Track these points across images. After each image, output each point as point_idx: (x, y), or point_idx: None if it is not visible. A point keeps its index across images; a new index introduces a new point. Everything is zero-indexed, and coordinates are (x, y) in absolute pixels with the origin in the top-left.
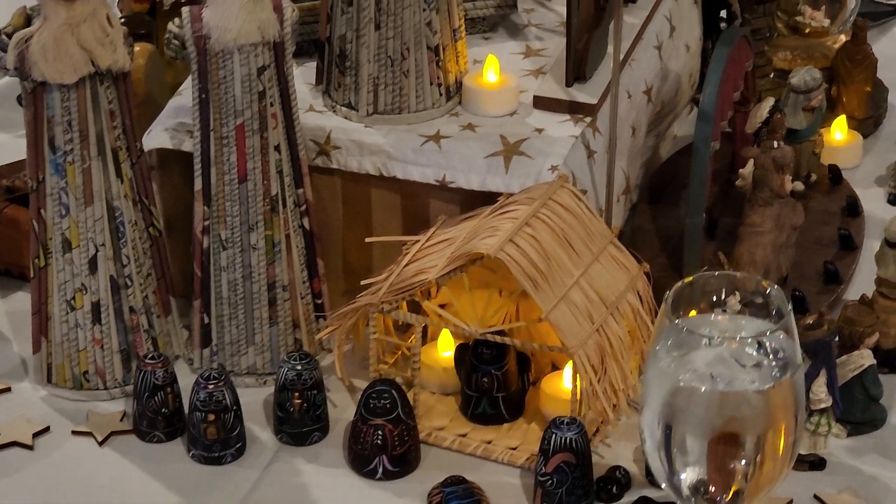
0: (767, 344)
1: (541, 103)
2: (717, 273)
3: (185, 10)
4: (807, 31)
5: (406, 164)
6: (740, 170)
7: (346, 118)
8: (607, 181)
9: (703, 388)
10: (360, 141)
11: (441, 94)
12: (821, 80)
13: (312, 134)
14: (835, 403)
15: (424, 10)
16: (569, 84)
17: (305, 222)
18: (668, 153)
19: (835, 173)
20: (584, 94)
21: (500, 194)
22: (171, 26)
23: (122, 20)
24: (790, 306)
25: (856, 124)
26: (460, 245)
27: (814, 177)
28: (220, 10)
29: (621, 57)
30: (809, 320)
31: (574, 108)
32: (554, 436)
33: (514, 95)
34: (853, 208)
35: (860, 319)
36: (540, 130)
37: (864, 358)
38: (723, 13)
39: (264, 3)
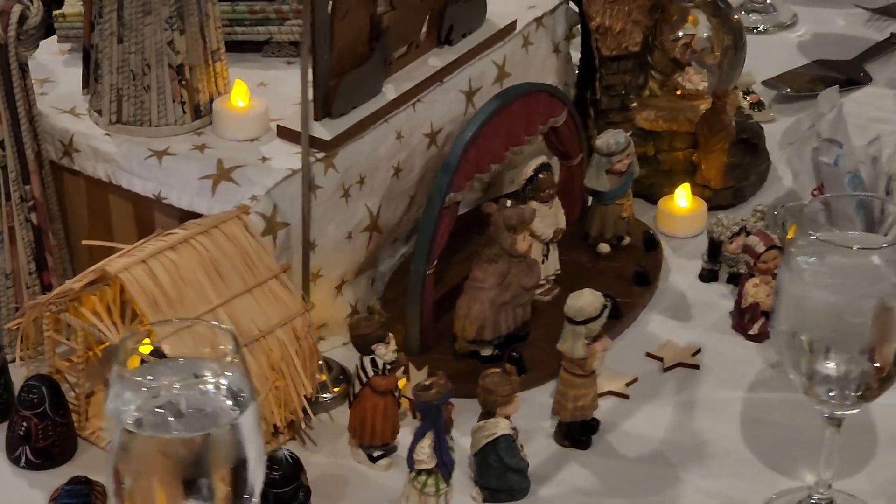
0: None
1: (284, 133)
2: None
3: None
4: (679, 92)
5: (131, 175)
6: None
7: (95, 124)
8: (303, 218)
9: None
10: (96, 147)
11: (185, 112)
12: (625, 145)
13: (60, 135)
14: (441, 465)
15: (166, 29)
16: (317, 118)
17: (33, 217)
18: None
19: (648, 240)
20: (324, 129)
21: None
22: None
23: None
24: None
25: (710, 194)
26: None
27: (627, 240)
28: None
29: (394, 96)
30: (426, 382)
31: (311, 143)
32: None
33: (259, 122)
34: (642, 277)
35: (496, 388)
36: (265, 159)
37: (497, 427)
38: None
39: None
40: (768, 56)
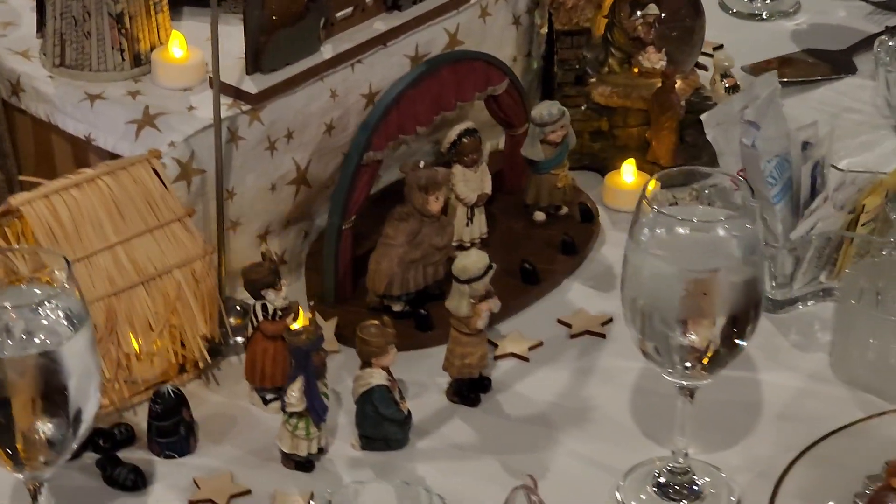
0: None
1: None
2: None
3: None
4: (636, 70)
5: (66, 116)
6: None
7: (43, 66)
8: (216, 166)
9: None
10: (38, 88)
11: (124, 60)
12: (558, 116)
13: (8, 75)
14: (311, 409)
15: None
16: (248, 72)
17: None
18: None
19: (584, 211)
20: (252, 83)
21: None
22: None
23: None
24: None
25: (659, 170)
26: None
27: (564, 210)
28: None
29: (331, 56)
30: (299, 328)
31: (238, 95)
32: None
33: (193, 73)
34: (568, 247)
35: (371, 340)
36: (191, 108)
37: (372, 377)
38: None
39: None
40: (759, 42)
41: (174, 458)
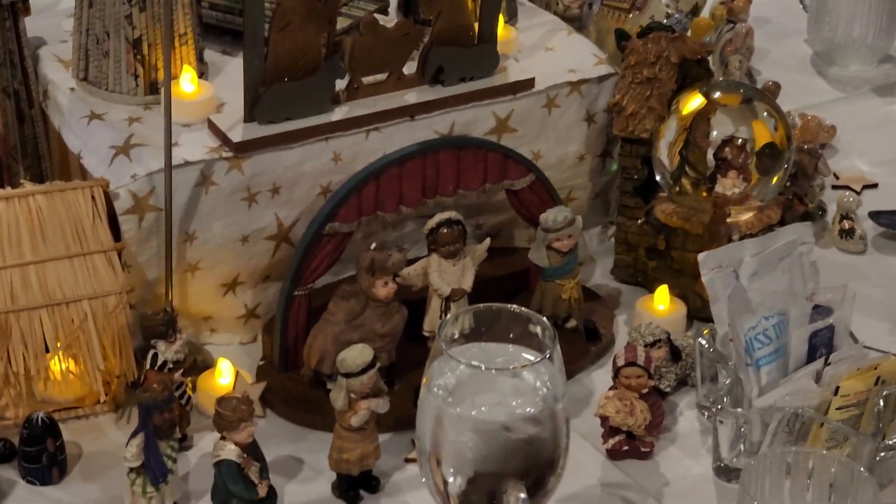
0: None
1: (212, 127)
2: None
3: None
4: (704, 193)
5: (69, 130)
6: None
7: (73, 77)
8: (165, 210)
9: None
10: (56, 98)
11: (138, 85)
12: (563, 224)
13: (42, 80)
14: (147, 467)
15: (125, 3)
16: (246, 119)
17: None
18: None
19: (589, 330)
20: (239, 132)
21: None
22: None
23: None
24: None
25: (701, 304)
26: None
27: (573, 323)
28: None
29: (340, 118)
30: (155, 386)
31: (225, 141)
32: None
33: (197, 110)
34: None
35: (224, 413)
36: (175, 145)
37: (222, 450)
38: None
39: None
40: None
41: (35, 485)
